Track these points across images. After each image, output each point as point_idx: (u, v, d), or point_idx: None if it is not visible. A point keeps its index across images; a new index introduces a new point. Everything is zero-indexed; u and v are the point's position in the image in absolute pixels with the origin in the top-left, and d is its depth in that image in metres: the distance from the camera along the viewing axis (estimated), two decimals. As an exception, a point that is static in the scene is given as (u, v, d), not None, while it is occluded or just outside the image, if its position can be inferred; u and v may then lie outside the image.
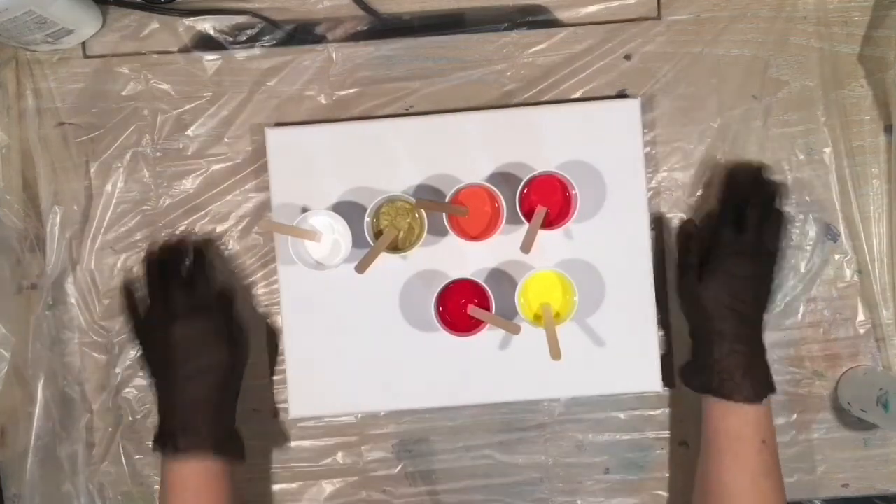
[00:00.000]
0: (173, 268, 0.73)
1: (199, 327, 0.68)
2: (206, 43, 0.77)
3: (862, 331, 0.77)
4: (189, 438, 0.66)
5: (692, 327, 0.71)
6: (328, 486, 0.77)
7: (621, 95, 0.76)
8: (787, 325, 0.77)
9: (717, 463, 0.66)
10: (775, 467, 0.66)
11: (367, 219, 0.69)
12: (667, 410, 0.77)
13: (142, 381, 0.77)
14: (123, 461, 0.77)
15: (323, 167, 0.74)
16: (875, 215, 0.76)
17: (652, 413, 0.77)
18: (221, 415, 0.69)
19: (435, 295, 0.69)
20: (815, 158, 0.77)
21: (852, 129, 0.76)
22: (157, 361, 0.70)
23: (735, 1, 0.76)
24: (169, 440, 0.66)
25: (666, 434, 0.77)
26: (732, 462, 0.65)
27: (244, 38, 0.77)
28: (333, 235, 0.71)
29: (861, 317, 0.77)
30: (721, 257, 0.68)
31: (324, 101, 0.77)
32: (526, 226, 0.67)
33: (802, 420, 0.77)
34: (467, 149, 0.74)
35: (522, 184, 0.70)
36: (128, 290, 0.75)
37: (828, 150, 0.77)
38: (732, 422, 0.66)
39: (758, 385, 0.66)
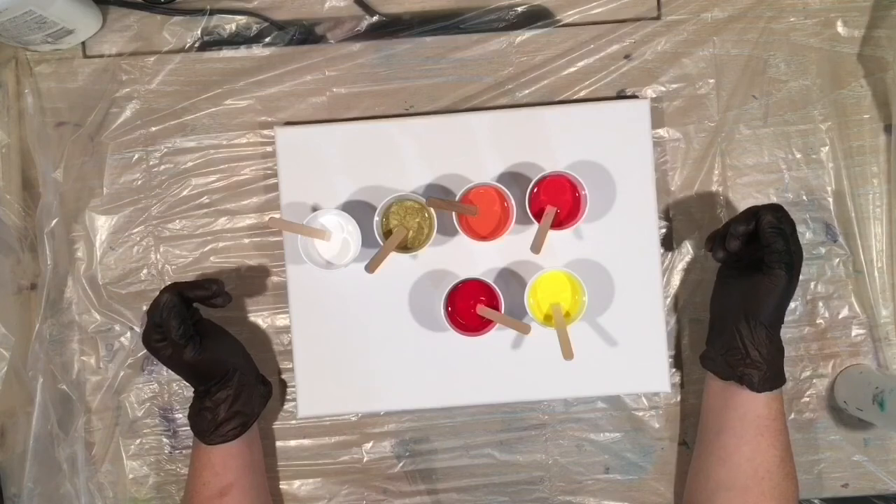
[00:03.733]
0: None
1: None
2: (206, 43, 0.77)
3: (861, 330, 0.77)
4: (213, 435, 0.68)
5: (728, 315, 0.68)
6: (328, 485, 0.77)
7: (621, 95, 0.77)
8: (786, 325, 0.77)
9: (753, 442, 0.66)
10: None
11: (376, 218, 0.69)
12: (667, 410, 0.77)
13: (141, 380, 0.77)
14: (124, 461, 0.77)
15: (332, 166, 0.74)
16: (874, 215, 0.77)
17: (652, 413, 0.77)
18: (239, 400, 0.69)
19: (444, 294, 0.69)
20: (814, 158, 0.77)
21: (852, 128, 0.77)
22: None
23: (735, 1, 0.76)
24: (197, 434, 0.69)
25: (666, 434, 0.77)
26: (773, 440, 0.66)
27: (244, 38, 0.77)
28: (343, 235, 0.71)
29: (860, 316, 0.77)
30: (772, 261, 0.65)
31: (324, 101, 0.77)
32: (535, 226, 0.68)
33: (802, 420, 0.77)
34: (477, 149, 0.74)
35: (532, 184, 0.70)
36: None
37: (826, 149, 0.77)
38: (774, 404, 0.67)
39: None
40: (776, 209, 0.65)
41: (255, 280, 0.77)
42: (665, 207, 0.77)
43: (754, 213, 0.66)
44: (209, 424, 0.67)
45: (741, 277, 0.68)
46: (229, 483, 0.68)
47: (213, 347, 0.68)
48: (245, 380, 0.70)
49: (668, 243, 0.77)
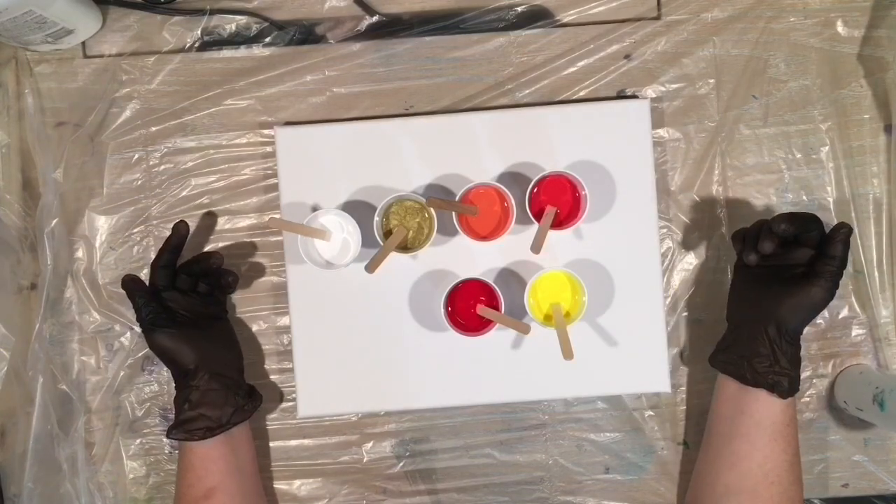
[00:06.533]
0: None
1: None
2: (206, 43, 0.77)
3: (861, 330, 0.77)
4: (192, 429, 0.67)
5: (755, 319, 0.67)
6: (328, 485, 0.77)
7: (621, 95, 0.77)
8: (787, 325, 0.77)
9: (766, 449, 0.66)
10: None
11: (376, 218, 0.69)
12: (667, 410, 0.77)
13: (141, 380, 0.77)
14: (124, 461, 0.77)
15: (332, 166, 0.74)
16: (874, 215, 0.76)
17: (652, 413, 0.77)
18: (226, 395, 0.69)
19: (444, 294, 0.69)
20: (814, 158, 0.77)
21: (851, 128, 0.77)
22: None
23: (735, 1, 0.76)
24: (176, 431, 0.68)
25: (666, 434, 0.77)
26: (785, 446, 0.66)
27: (244, 38, 0.77)
28: (343, 235, 0.71)
29: (860, 316, 0.77)
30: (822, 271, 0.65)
31: (324, 101, 0.77)
32: (535, 226, 0.68)
33: (802, 420, 0.77)
34: (477, 149, 0.74)
35: (532, 184, 0.70)
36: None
37: (826, 149, 0.77)
38: (789, 410, 0.67)
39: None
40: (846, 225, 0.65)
41: (255, 280, 0.77)
42: (665, 207, 0.77)
43: (798, 218, 0.65)
44: (177, 418, 0.68)
45: (768, 280, 0.67)
46: (212, 487, 0.67)
47: (185, 341, 0.67)
48: (216, 385, 0.68)
49: (668, 243, 0.77)
